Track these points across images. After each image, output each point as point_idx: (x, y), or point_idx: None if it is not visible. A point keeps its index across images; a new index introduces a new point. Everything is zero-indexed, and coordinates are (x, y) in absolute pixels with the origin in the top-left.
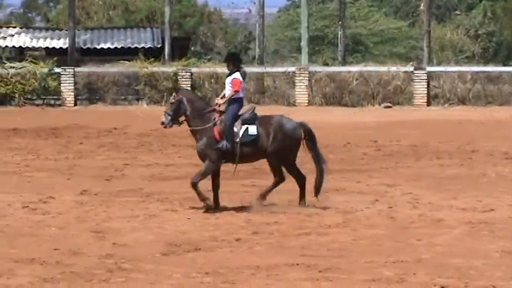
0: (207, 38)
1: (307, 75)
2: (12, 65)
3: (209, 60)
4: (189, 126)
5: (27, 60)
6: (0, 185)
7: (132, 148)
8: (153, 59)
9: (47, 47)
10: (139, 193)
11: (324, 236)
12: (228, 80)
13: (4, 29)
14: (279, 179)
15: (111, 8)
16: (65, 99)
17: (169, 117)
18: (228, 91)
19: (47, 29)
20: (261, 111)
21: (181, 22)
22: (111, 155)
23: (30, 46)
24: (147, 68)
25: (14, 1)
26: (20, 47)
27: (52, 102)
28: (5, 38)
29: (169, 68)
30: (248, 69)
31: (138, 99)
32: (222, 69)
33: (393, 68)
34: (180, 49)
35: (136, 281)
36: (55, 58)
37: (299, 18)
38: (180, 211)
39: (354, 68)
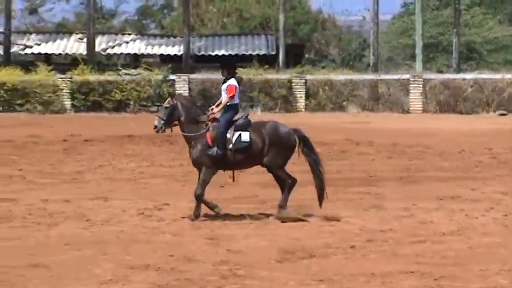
0: (320, 45)
1: (422, 83)
2: (127, 72)
3: (323, 67)
4: (183, 131)
5: (142, 67)
6: (116, 191)
7: None
8: (267, 66)
9: (162, 54)
10: (253, 200)
11: (438, 244)
12: (224, 86)
13: (119, 36)
14: (292, 182)
15: (225, 15)
16: None
17: (162, 122)
18: (223, 98)
19: (161, 36)
20: (375, 118)
21: (295, 29)
22: None
23: (145, 53)
24: (261, 75)
25: (129, 8)
26: (135, 54)
27: None
28: (120, 45)
29: (283, 75)
30: (362, 76)
31: (252, 106)
32: (337, 76)
33: (508, 76)
34: (295, 56)
35: (250, 287)
36: (169, 65)
37: (413, 25)
38: None
39: (469, 75)
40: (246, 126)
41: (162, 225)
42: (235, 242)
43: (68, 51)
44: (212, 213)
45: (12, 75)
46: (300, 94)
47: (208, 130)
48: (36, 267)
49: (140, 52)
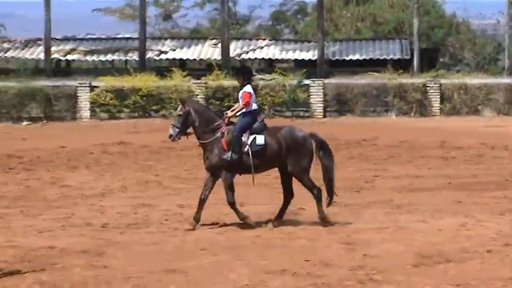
0: (455, 49)
1: None
2: (262, 76)
3: (458, 71)
4: (198, 138)
5: (276, 72)
6: (252, 196)
7: (382, 159)
8: (401, 71)
9: (296, 59)
10: (389, 204)
11: None
12: (240, 94)
13: (254, 41)
14: (289, 197)
15: (359, 19)
16: (314, 111)
17: (177, 130)
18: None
19: (295, 41)
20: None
21: (430, 33)
22: (360, 167)
23: (279, 58)
24: (395, 79)
25: (263, 14)
26: (269, 59)
27: (301, 113)
28: (254, 50)
29: (418, 80)
30: (497, 80)
31: (386, 111)
32: (472, 80)
33: None
34: (429, 60)
35: None
36: (304, 70)
37: None
38: (431, 222)
39: None
40: (261, 129)
41: (297, 230)
42: (372, 247)
43: (202, 56)
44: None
45: (147, 81)
46: (435, 98)
47: (223, 136)
48: (173, 272)
49: (274, 57)
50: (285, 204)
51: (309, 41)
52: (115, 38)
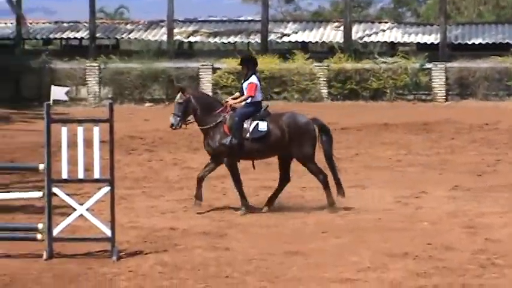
0: None
1: None
2: (384, 60)
3: None
4: (199, 125)
5: (398, 55)
6: (373, 179)
7: (503, 144)
8: None
9: (418, 42)
10: (511, 188)
11: None
12: (245, 84)
13: (376, 24)
14: (285, 181)
15: (482, 3)
16: (436, 95)
17: (178, 118)
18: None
19: (418, 24)
20: None
21: None
22: (482, 151)
23: (401, 41)
24: None
25: None
26: (392, 42)
27: (423, 97)
28: (376, 33)
29: None
30: None
31: (509, 95)
32: None
33: None
34: None
35: (509, 277)
36: (426, 53)
37: None
38: None
39: None
40: (264, 116)
41: (419, 213)
42: (494, 231)
43: (324, 39)
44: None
45: (269, 64)
46: None
47: (225, 121)
48: (294, 255)
49: (396, 40)
50: (279, 189)
51: (431, 24)
52: (237, 20)
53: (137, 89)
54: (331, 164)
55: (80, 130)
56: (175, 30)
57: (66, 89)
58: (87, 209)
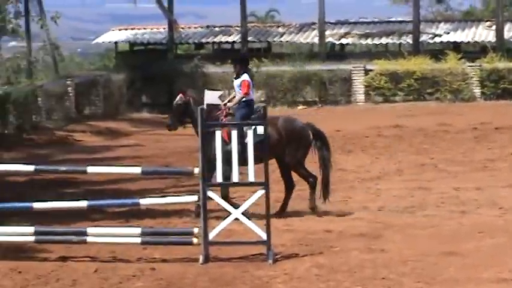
0: None
1: None
2: None
3: None
4: (196, 128)
5: None
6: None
7: None
8: None
9: None
10: None
11: None
12: (237, 82)
13: None
14: (291, 188)
15: None
16: None
17: (174, 119)
18: (237, 94)
19: None
20: None
21: None
22: None
23: None
24: None
25: None
26: None
27: None
28: None
29: None
30: None
31: None
32: None
33: None
34: None
35: None
36: None
37: None
38: None
39: None
40: (260, 120)
41: None
42: None
43: (476, 39)
44: None
45: (421, 64)
46: None
47: (223, 126)
48: (450, 255)
49: None
50: (288, 196)
51: None
52: (388, 22)
53: (290, 92)
54: (326, 168)
55: (234, 134)
56: (327, 33)
57: (219, 93)
58: (242, 213)
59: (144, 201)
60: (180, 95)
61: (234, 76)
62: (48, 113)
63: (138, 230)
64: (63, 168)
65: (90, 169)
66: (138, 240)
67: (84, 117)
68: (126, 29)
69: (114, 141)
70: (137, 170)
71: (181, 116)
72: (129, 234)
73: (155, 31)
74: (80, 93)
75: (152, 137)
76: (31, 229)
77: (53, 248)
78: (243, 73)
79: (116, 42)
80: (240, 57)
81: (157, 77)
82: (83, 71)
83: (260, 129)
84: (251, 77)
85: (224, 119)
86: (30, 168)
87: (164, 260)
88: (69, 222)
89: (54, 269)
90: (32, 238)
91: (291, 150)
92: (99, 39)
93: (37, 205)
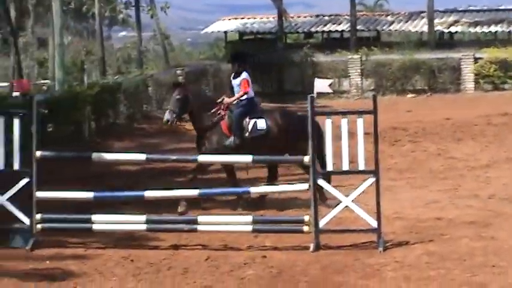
0: None
1: None
2: None
3: None
4: (195, 123)
5: None
6: None
7: None
8: None
9: None
10: None
11: None
12: (237, 82)
13: None
14: (274, 181)
15: None
16: None
17: (174, 115)
18: (236, 93)
19: None
20: None
21: None
22: None
23: None
24: None
25: None
26: None
27: None
28: None
29: None
30: None
31: None
32: None
33: None
34: None
35: None
36: None
37: None
38: None
39: None
40: (259, 113)
41: None
42: None
43: None
44: None
45: None
46: None
47: (222, 119)
48: None
49: None
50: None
51: None
52: (498, 10)
53: (399, 80)
54: (322, 158)
55: (344, 122)
56: (436, 21)
57: (329, 81)
58: (352, 201)
59: (255, 190)
60: (179, 89)
61: (233, 75)
62: (158, 102)
63: (249, 218)
64: (173, 157)
65: (201, 158)
66: (249, 228)
67: None
68: (235, 19)
69: None
70: (248, 158)
71: (181, 110)
72: (240, 222)
73: (265, 20)
74: (190, 83)
75: None
76: (143, 217)
77: (165, 237)
78: (242, 71)
79: (225, 32)
80: (239, 56)
81: (267, 66)
82: (193, 60)
83: (261, 123)
84: (249, 74)
85: (224, 113)
86: (142, 157)
87: (275, 248)
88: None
89: (165, 257)
90: (144, 226)
91: (292, 143)
92: (209, 29)
93: (148, 194)
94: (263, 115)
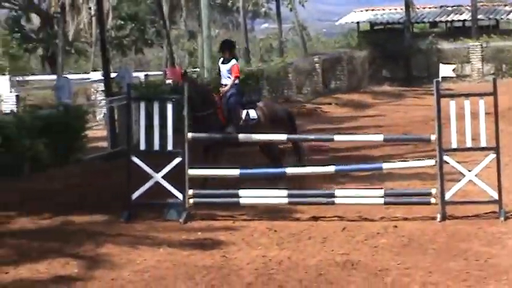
0: None
1: None
2: None
3: None
4: (194, 111)
5: None
6: None
7: None
8: None
9: None
10: None
11: None
12: (227, 67)
13: None
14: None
15: None
16: None
17: None
18: (226, 79)
19: None
20: None
21: None
22: None
23: None
24: None
25: None
26: None
27: None
28: None
29: None
30: None
31: None
32: None
33: None
34: None
35: None
36: None
37: None
38: None
39: None
40: (249, 104)
41: None
42: None
43: None
44: None
45: None
46: None
47: (219, 109)
48: None
49: None
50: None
51: None
52: None
53: None
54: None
55: (467, 103)
56: None
57: (452, 66)
58: (475, 175)
59: (386, 166)
60: (188, 83)
61: (221, 61)
62: (298, 87)
63: (381, 192)
64: (312, 136)
65: (337, 137)
66: (381, 200)
67: (330, 90)
68: (366, 10)
69: (357, 112)
70: (379, 137)
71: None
72: (373, 195)
73: (393, 12)
74: (326, 70)
75: (392, 107)
76: (284, 192)
77: (305, 209)
78: (231, 58)
79: (357, 23)
80: (228, 44)
81: (395, 53)
82: (328, 49)
83: (253, 113)
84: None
85: (219, 102)
86: (283, 137)
87: (405, 219)
88: (318, 185)
89: (306, 227)
90: (286, 200)
91: (272, 132)
92: (342, 20)
93: (290, 170)
94: (251, 105)
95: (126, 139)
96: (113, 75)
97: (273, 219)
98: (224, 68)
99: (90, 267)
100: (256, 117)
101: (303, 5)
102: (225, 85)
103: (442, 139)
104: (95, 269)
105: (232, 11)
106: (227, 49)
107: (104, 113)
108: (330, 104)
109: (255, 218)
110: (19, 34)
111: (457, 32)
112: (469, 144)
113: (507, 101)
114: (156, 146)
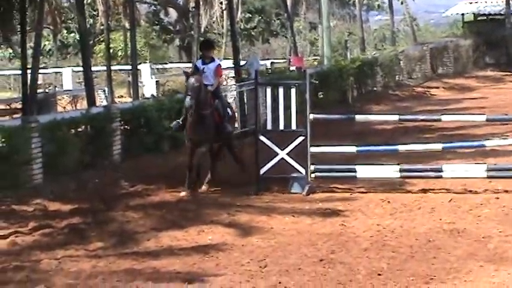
0: None
1: None
2: None
3: None
4: (199, 110)
5: None
6: None
7: None
8: None
9: None
10: None
11: None
12: (210, 67)
13: None
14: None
15: None
16: None
17: (193, 100)
18: (210, 78)
19: None
20: None
21: None
22: None
23: None
24: None
25: None
26: None
27: None
28: None
29: None
30: None
31: None
32: None
33: None
34: None
35: None
36: None
37: None
38: None
39: None
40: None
41: None
42: None
43: None
44: None
45: None
46: None
47: (216, 109)
48: None
49: None
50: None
51: None
52: None
53: None
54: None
55: None
56: None
57: None
58: None
59: (489, 143)
60: (196, 76)
61: (201, 61)
62: (408, 73)
63: (484, 167)
64: (421, 117)
65: (444, 118)
66: (484, 174)
67: (438, 75)
68: (471, 3)
69: (462, 94)
70: (482, 117)
71: (198, 96)
72: (477, 170)
73: (495, 4)
74: (434, 57)
75: (494, 90)
76: (397, 167)
77: (415, 182)
78: (213, 59)
79: (462, 14)
80: (211, 44)
81: (497, 41)
82: (436, 38)
83: (230, 112)
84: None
85: (213, 102)
86: (395, 117)
87: (506, 191)
88: (427, 161)
89: (416, 199)
90: (398, 174)
91: None
92: (449, 12)
93: (401, 148)
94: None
95: (254, 120)
96: (242, 62)
97: (386, 191)
98: (208, 68)
99: (222, 234)
100: (231, 114)
101: None
102: (210, 85)
103: None
104: (227, 235)
105: (349, 4)
106: (210, 50)
107: (234, 97)
108: (438, 87)
109: (371, 190)
110: (158, 26)
111: None
112: None
113: None
114: (281, 126)
